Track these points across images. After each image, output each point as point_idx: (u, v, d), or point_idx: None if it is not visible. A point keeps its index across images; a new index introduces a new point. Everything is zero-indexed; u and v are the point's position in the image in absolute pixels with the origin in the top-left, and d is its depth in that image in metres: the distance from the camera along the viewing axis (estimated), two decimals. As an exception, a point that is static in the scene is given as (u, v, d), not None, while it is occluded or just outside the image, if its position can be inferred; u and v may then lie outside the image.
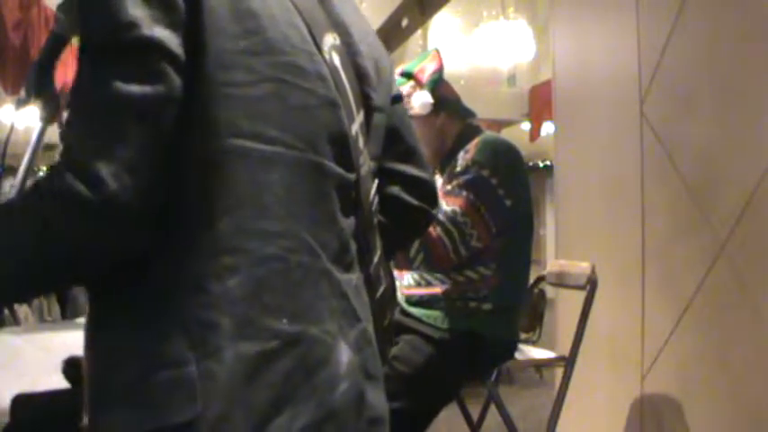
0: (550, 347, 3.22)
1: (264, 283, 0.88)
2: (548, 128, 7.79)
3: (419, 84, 2.41)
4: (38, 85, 1.09)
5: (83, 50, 0.85)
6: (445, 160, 2.42)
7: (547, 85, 5.48)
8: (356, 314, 1.00)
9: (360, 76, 1.07)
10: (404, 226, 1.24)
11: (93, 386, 0.89)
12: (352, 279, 1.01)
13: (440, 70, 2.45)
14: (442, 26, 7.50)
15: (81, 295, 7.09)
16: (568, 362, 2.46)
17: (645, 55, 2.83)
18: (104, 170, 0.79)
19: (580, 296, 2.49)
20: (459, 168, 2.32)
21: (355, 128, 1.03)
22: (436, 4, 5.85)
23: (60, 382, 1.83)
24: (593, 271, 2.47)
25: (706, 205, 2.50)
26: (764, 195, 2.25)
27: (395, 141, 1.17)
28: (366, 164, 1.05)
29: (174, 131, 0.84)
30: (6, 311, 5.77)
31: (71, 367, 1.77)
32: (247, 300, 0.86)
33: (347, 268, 1.00)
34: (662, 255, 2.74)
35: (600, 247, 3.08)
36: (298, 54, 0.95)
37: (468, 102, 2.56)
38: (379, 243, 1.11)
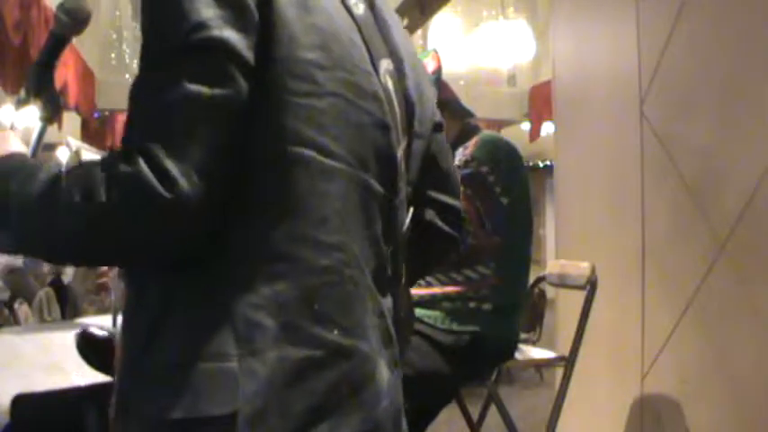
0: (550, 347, 3.22)
1: (316, 292, 0.88)
2: (548, 128, 7.79)
3: None
4: (38, 85, 1.09)
5: (147, 50, 0.85)
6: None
7: (547, 85, 5.49)
8: (390, 336, 1.01)
9: (407, 102, 1.08)
10: (432, 252, 1.26)
11: (128, 366, 0.89)
12: (388, 301, 1.02)
13: (438, 70, 2.45)
14: (442, 26, 7.51)
15: (80, 297, 7.09)
16: (568, 362, 2.46)
17: (645, 55, 2.83)
18: (175, 169, 0.79)
19: (580, 296, 2.49)
20: (457, 163, 2.32)
21: (399, 152, 1.04)
22: (436, 5, 5.85)
23: (60, 382, 1.83)
24: (593, 271, 2.47)
25: (706, 205, 2.50)
26: (764, 195, 2.25)
27: (432, 168, 1.19)
28: (404, 188, 1.06)
29: (239, 135, 0.84)
30: (6, 311, 5.77)
31: (83, 339, 1.77)
32: (296, 306, 0.87)
33: (383, 290, 1.00)
34: (662, 255, 2.74)
35: (600, 247, 3.08)
36: (357, 73, 0.96)
37: (468, 102, 2.56)
38: (404, 268, 1.11)
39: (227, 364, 0.83)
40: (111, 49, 9.88)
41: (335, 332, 0.89)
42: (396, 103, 1.04)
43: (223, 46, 0.83)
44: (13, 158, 0.91)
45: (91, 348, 1.76)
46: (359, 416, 0.90)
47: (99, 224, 0.81)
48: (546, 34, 4.99)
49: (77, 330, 1.81)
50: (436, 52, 2.49)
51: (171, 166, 0.79)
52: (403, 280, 1.11)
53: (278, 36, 0.87)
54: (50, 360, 2.09)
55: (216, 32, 0.83)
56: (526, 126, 8.68)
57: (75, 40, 1.17)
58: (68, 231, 0.83)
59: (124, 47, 10.15)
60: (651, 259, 2.80)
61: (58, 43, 1.10)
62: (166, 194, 0.79)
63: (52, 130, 1.16)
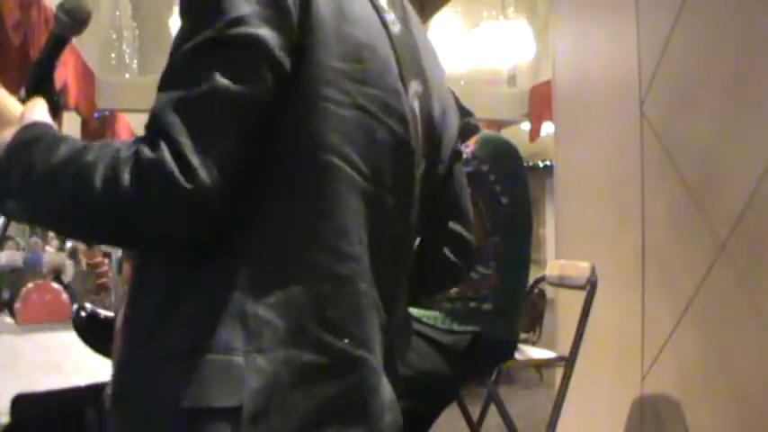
0: (550, 347, 3.22)
1: (329, 299, 0.88)
2: (548, 128, 7.79)
3: None
4: (38, 85, 1.09)
5: (182, 37, 0.85)
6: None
7: (547, 85, 5.49)
8: (391, 353, 1.01)
9: (431, 126, 1.08)
10: (436, 279, 1.26)
11: (133, 353, 0.89)
12: (391, 318, 1.02)
13: None
14: (441, 26, 7.51)
15: (80, 297, 7.09)
16: (568, 362, 2.46)
17: (645, 55, 2.83)
18: (197, 160, 0.79)
19: (580, 296, 2.49)
20: None
21: (417, 174, 1.04)
22: (436, 4, 5.85)
23: (60, 382, 1.83)
24: (593, 271, 2.47)
25: (706, 205, 2.50)
26: (764, 195, 2.25)
27: (452, 201, 1.19)
28: (417, 210, 1.06)
29: (263, 133, 0.85)
30: (6, 311, 5.77)
31: (79, 315, 1.76)
32: (308, 310, 0.87)
33: (387, 306, 1.00)
34: (662, 255, 2.74)
35: (600, 247, 3.08)
36: (388, 91, 0.96)
37: (468, 102, 2.56)
38: (406, 287, 1.11)
39: (234, 357, 0.83)
40: (111, 49, 9.89)
41: (345, 341, 0.89)
42: (419, 126, 1.03)
43: (257, 44, 0.83)
44: (36, 127, 0.91)
45: (91, 327, 1.75)
46: (363, 427, 0.91)
47: (117, 207, 0.81)
48: (546, 34, 4.99)
49: (75, 307, 1.80)
50: None
51: (193, 156, 0.79)
52: (404, 298, 1.11)
53: (315, 41, 0.87)
54: (50, 360, 2.09)
55: (252, 29, 0.83)
56: (526, 126, 8.68)
57: (75, 40, 1.16)
58: (85, 209, 0.83)
59: (124, 47, 10.16)
60: (651, 259, 2.80)
61: (57, 43, 1.10)
62: (186, 185, 0.79)
63: (52, 130, 1.16)
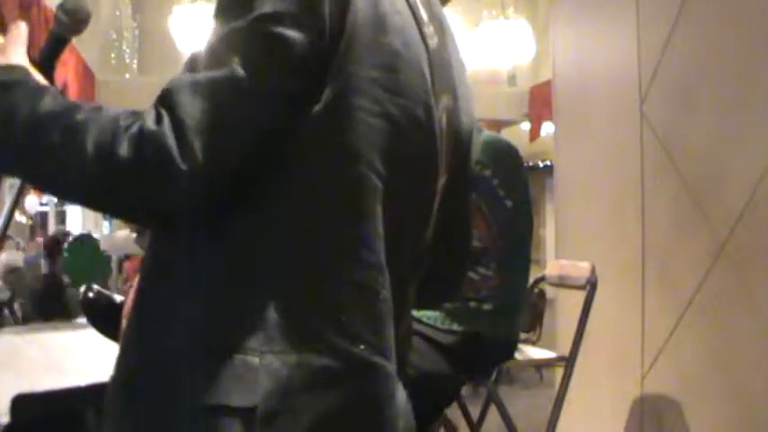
0: (550, 347, 3.22)
1: (348, 305, 0.88)
2: (548, 128, 7.79)
3: None
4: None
5: (215, 20, 0.85)
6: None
7: (547, 85, 5.49)
8: (404, 358, 1.01)
9: (455, 143, 1.08)
10: (430, 294, 1.25)
11: (141, 342, 0.89)
12: (403, 325, 1.02)
13: None
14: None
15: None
16: (568, 362, 2.46)
17: (645, 55, 2.83)
18: (196, 142, 0.79)
19: (580, 296, 2.49)
20: None
21: (439, 186, 1.04)
22: (436, 4, 5.83)
23: (60, 382, 1.83)
24: (593, 271, 2.47)
25: (706, 205, 2.50)
26: (764, 195, 2.25)
27: (461, 222, 1.20)
28: (432, 223, 1.06)
29: (285, 134, 0.85)
30: (6, 311, 5.78)
31: (86, 296, 1.76)
32: (324, 315, 0.87)
33: (399, 314, 1.00)
34: (662, 255, 2.74)
35: (600, 247, 3.08)
36: (419, 104, 0.95)
37: (468, 102, 2.56)
38: (414, 298, 1.11)
39: (250, 357, 0.83)
40: (111, 49, 9.89)
41: (362, 347, 0.88)
42: (444, 140, 1.03)
43: (283, 42, 0.83)
44: (15, 71, 0.89)
45: (98, 309, 1.75)
46: None
47: (109, 173, 0.80)
48: (546, 34, 4.99)
49: (83, 288, 1.79)
50: None
51: (194, 138, 0.79)
52: (411, 309, 1.11)
53: (349, 50, 0.87)
54: (50, 360, 2.09)
55: (280, 28, 0.83)
56: (526, 126, 8.68)
57: (75, 40, 1.16)
58: (73, 169, 0.81)
59: (124, 47, 10.16)
60: (651, 259, 2.80)
61: (57, 43, 1.10)
62: (182, 164, 0.78)
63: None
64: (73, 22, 1.08)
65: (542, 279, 2.85)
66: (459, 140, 1.08)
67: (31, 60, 0.99)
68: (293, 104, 0.85)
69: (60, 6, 1.07)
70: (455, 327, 2.31)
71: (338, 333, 0.87)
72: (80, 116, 0.81)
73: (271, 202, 0.86)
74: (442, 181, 1.05)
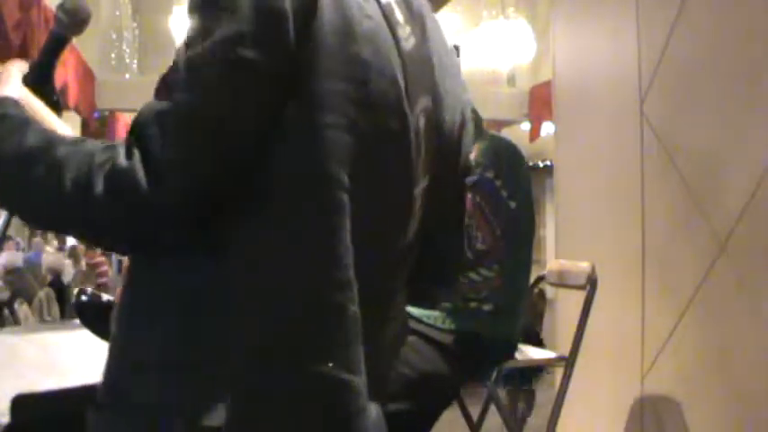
0: (550, 347, 3.22)
1: (315, 323, 0.88)
2: (548, 128, 7.79)
3: None
4: (38, 85, 1.09)
5: (182, 50, 0.85)
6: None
7: (547, 85, 5.49)
8: (378, 372, 1.00)
9: (439, 142, 1.06)
10: (418, 293, 1.25)
11: (121, 353, 0.90)
12: (376, 332, 1.01)
13: None
14: (442, 26, 7.51)
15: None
16: (568, 362, 2.45)
17: (645, 55, 2.83)
18: (166, 174, 0.81)
19: (580, 296, 2.49)
20: None
21: (417, 191, 1.03)
22: (436, 4, 5.85)
23: (60, 382, 1.83)
24: (593, 270, 2.46)
25: (706, 205, 2.50)
26: (764, 195, 2.25)
27: (450, 212, 1.18)
28: (414, 227, 1.05)
29: (251, 157, 0.85)
30: (6, 311, 5.77)
31: (79, 299, 1.76)
32: (292, 334, 0.87)
33: (378, 319, 1.00)
34: (662, 255, 2.74)
35: (600, 247, 3.07)
36: (390, 113, 0.94)
37: (468, 102, 2.56)
38: (403, 301, 1.11)
39: (218, 374, 0.84)
40: (111, 49, 9.90)
41: (330, 364, 0.88)
42: (423, 143, 1.02)
43: (246, 65, 0.83)
44: (4, 103, 0.92)
45: (93, 312, 1.76)
46: None
47: (85, 209, 0.83)
48: (546, 34, 4.99)
49: (76, 291, 1.81)
50: (455, 49, 2.47)
51: (163, 171, 0.81)
52: (398, 313, 1.11)
53: (315, 64, 0.86)
54: (50, 360, 2.09)
55: (243, 51, 0.82)
56: (526, 126, 8.68)
57: (75, 40, 1.17)
58: (52, 204, 0.85)
59: (124, 47, 10.16)
60: (651, 259, 2.80)
61: (58, 43, 1.10)
62: (153, 197, 0.81)
63: (52, 130, 1.16)
64: (73, 22, 1.08)
65: (542, 279, 2.84)
66: (444, 140, 1.07)
67: (32, 60, 0.99)
68: (260, 126, 0.85)
69: (60, 6, 1.07)
70: (455, 327, 2.31)
71: (307, 352, 0.87)
72: (60, 151, 0.84)
73: (238, 228, 0.86)
74: (422, 185, 1.03)
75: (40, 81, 1.08)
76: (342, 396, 0.90)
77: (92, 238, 0.94)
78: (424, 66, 1.03)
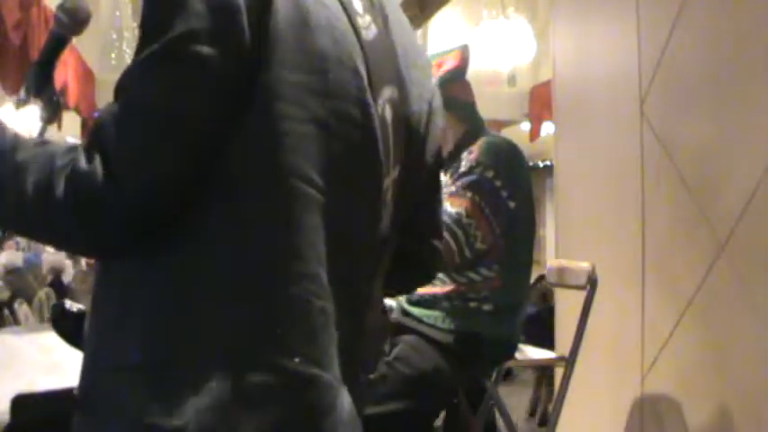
0: (550, 347, 3.22)
1: (280, 319, 0.88)
2: (548, 128, 7.79)
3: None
4: (38, 85, 1.09)
5: (137, 51, 0.86)
6: (449, 161, 2.42)
7: (547, 85, 5.49)
8: (354, 361, 0.99)
9: (407, 132, 1.05)
10: (404, 279, 1.25)
11: (90, 357, 0.91)
12: (354, 325, 1.01)
13: (456, 69, 2.45)
14: (442, 26, 7.51)
15: (80, 297, 7.09)
16: (568, 362, 2.46)
17: (645, 55, 2.83)
18: (125, 174, 0.82)
19: (580, 296, 2.49)
20: (463, 169, 2.33)
21: (387, 182, 1.02)
22: (436, 4, 5.85)
23: (60, 382, 1.83)
24: (593, 270, 2.46)
25: (706, 205, 2.50)
26: (764, 195, 2.25)
27: (427, 209, 1.19)
28: (387, 218, 1.04)
29: (213, 151, 0.85)
30: (6, 311, 5.78)
31: (55, 312, 1.76)
32: (257, 331, 0.87)
33: (356, 313, 1.00)
34: (662, 255, 2.74)
35: (600, 247, 3.08)
36: (351, 102, 0.93)
37: (467, 101, 2.56)
38: (380, 291, 1.10)
39: (183, 375, 0.84)
40: (111, 49, 9.89)
41: (297, 360, 0.88)
42: (391, 133, 1.01)
43: (200, 61, 0.83)
44: None
45: (67, 324, 1.75)
46: None
47: (48, 213, 0.84)
48: (546, 34, 4.99)
49: (53, 305, 1.81)
50: (461, 51, 2.48)
51: (122, 170, 0.82)
52: (379, 304, 1.10)
53: (272, 57, 0.86)
54: (50, 360, 2.09)
55: (197, 47, 0.82)
56: (526, 126, 8.68)
57: (75, 40, 1.17)
58: (16, 209, 0.87)
59: (124, 47, 10.15)
60: (651, 259, 2.80)
61: (58, 43, 1.10)
62: (113, 198, 0.82)
63: (52, 130, 1.16)
64: (73, 22, 1.08)
65: (542, 279, 2.85)
66: (411, 130, 1.06)
67: (32, 60, 1.00)
68: (216, 122, 0.85)
69: (60, 6, 1.07)
70: (455, 327, 2.31)
71: (273, 348, 0.87)
72: (21, 155, 0.85)
73: (200, 224, 0.86)
74: (393, 175, 1.03)
75: (40, 81, 1.09)
76: (310, 392, 0.89)
77: (57, 241, 0.95)
78: (387, 55, 1.02)
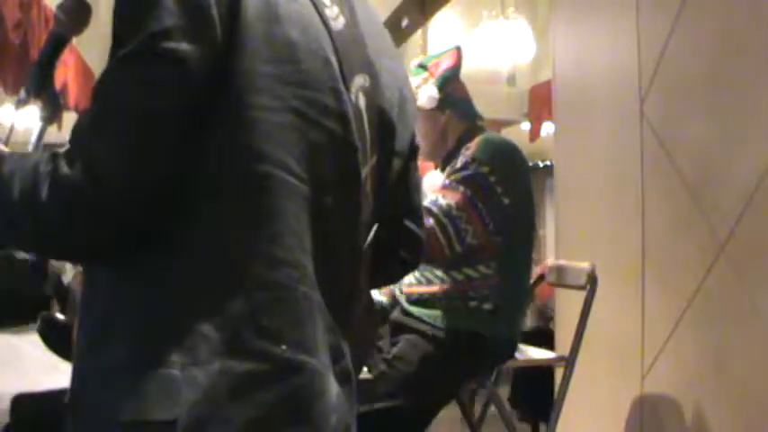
0: (550, 347, 3.22)
1: (264, 307, 0.88)
2: (548, 128, 7.79)
3: (431, 76, 2.43)
4: (38, 85, 1.09)
5: (112, 52, 0.86)
6: (446, 159, 2.43)
7: (547, 85, 5.49)
8: (341, 351, 1.00)
9: (381, 120, 1.07)
10: (385, 270, 1.25)
11: (80, 366, 0.91)
12: (341, 315, 1.01)
13: (453, 68, 2.46)
14: (442, 26, 7.50)
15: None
16: (568, 362, 2.46)
17: (645, 55, 2.83)
18: (107, 176, 0.82)
19: (580, 296, 2.49)
20: (459, 164, 2.33)
21: (366, 171, 1.03)
22: (436, 4, 5.85)
23: (60, 382, 1.83)
24: (593, 270, 2.46)
25: (706, 205, 2.50)
26: (764, 195, 2.25)
27: (405, 197, 1.19)
28: (367, 206, 1.05)
29: (192, 147, 0.86)
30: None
31: (44, 323, 1.76)
32: (243, 319, 0.87)
33: (337, 306, 1.00)
34: (662, 255, 2.74)
35: (600, 246, 3.08)
36: (325, 91, 0.95)
37: (467, 101, 2.56)
38: (366, 282, 1.11)
39: (171, 370, 0.84)
40: (111, 49, 9.87)
41: (283, 347, 0.88)
42: (366, 121, 1.02)
43: (176, 58, 0.83)
44: None
45: (52, 334, 1.75)
46: (307, 431, 0.90)
47: (34, 219, 0.85)
48: (546, 34, 5.00)
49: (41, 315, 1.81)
50: (457, 50, 2.50)
51: (102, 173, 0.82)
52: (364, 292, 1.11)
53: (243, 49, 0.87)
54: (50, 360, 2.09)
55: (172, 44, 0.83)
56: (526, 126, 8.67)
57: (75, 40, 1.17)
58: (4, 218, 0.88)
59: (124, 47, 10.14)
60: (651, 259, 2.80)
61: (58, 43, 1.10)
62: (97, 200, 0.83)
63: (52, 130, 1.16)
64: (73, 22, 1.08)
65: (542, 278, 2.85)
66: (385, 118, 1.07)
67: (32, 60, 1.00)
68: (193, 117, 0.85)
69: (60, 6, 1.07)
70: (455, 326, 2.31)
71: (258, 336, 0.87)
72: (6, 168, 0.87)
73: (181, 221, 0.87)
74: (371, 163, 1.04)
75: (40, 81, 1.09)
76: (298, 379, 0.89)
77: (43, 248, 0.96)
78: (357, 45, 1.04)
